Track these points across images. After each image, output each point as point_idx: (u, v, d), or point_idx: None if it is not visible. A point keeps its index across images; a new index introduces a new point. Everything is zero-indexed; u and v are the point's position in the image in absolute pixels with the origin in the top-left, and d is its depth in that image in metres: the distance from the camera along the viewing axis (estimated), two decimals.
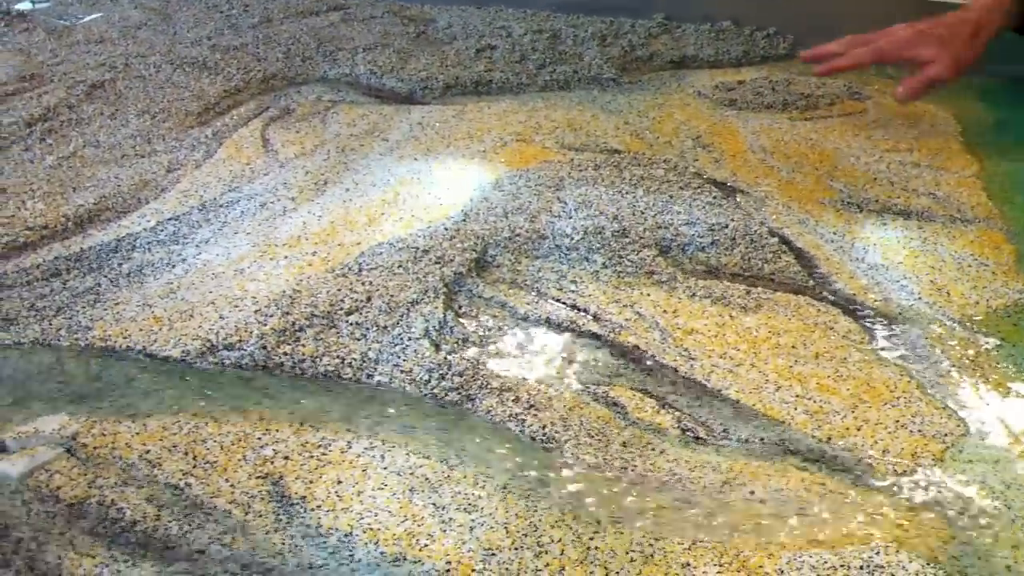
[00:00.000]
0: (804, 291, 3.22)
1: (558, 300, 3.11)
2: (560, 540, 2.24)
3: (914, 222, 3.58)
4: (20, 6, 4.95)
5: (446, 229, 3.42)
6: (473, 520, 2.29)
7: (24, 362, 2.73)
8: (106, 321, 2.89)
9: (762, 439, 2.58)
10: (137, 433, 2.47)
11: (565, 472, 2.46)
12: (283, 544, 2.22)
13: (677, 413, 2.67)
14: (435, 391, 2.72)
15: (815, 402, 2.73)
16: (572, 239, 3.38)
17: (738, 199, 3.71)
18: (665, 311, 3.07)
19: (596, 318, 3.03)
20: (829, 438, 2.59)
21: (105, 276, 3.10)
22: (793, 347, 2.94)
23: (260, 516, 2.29)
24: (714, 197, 3.69)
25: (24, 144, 3.76)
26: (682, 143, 4.15)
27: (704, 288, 3.19)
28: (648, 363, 2.86)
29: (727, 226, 3.46)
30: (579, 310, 3.07)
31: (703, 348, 2.92)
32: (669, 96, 4.61)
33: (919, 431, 2.60)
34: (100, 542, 2.22)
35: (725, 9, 5.33)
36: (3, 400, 2.60)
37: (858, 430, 2.62)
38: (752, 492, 2.41)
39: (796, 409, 2.69)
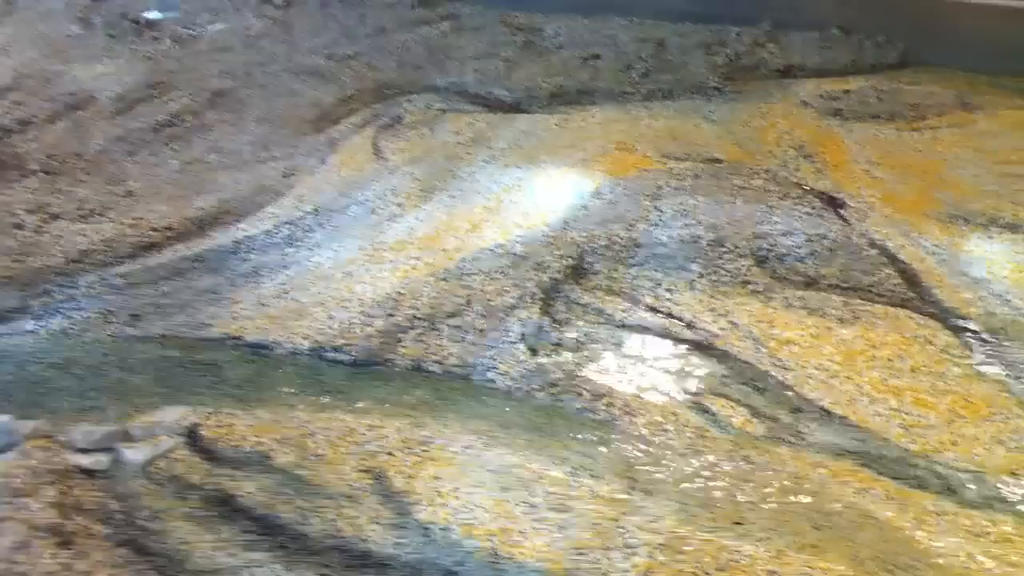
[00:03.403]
0: (904, 304, 3.22)
1: (653, 308, 3.18)
2: (648, 542, 2.32)
3: (1021, 236, 3.55)
4: (149, 15, 5.22)
5: (545, 236, 3.52)
6: (564, 520, 2.38)
7: (149, 356, 2.92)
8: (224, 319, 3.07)
9: (854, 451, 2.62)
10: (251, 425, 2.63)
11: (655, 475, 2.54)
12: (385, 534, 2.34)
13: (768, 422, 2.72)
14: (531, 394, 2.82)
15: (910, 415, 2.75)
16: (668, 248, 3.44)
17: (839, 210, 3.72)
18: (760, 321, 3.11)
19: (690, 326, 3.09)
20: (924, 452, 2.62)
21: (224, 277, 3.28)
22: (889, 360, 2.96)
23: (364, 507, 2.42)
24: (814, 207, 3.71)
25: (151, 149, 3.99)
26: (784, 153, 4.17)
27: (801, 299, 3.22)
28: (741, 372, 2.91)
29: (826, 237, 3.48)
30: (674, 318, 3.14)
31: (798, 358, 2.96)
32: (773, 105, 4.62)
33: (1017, 447, 2.60)
34: (216, 526, 2.38)
35: (834, 16, 5.28)
36: (129, 391, 2.78)
37: (953, 444, 2.64)
38: (842, 503, 2.45)
39: (890, 422, 2.72)
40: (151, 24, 5.19)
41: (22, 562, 2.19)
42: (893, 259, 3.42)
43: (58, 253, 3.25)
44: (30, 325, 2.99)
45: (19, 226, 3.34)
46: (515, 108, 4.77)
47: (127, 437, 2.58)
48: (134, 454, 2.53)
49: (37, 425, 2.52)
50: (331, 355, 2.97)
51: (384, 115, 4.58)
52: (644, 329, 3.11)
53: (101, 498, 2.41)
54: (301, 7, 5.71)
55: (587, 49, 5.24)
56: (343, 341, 3.00)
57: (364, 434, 2.65)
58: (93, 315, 3.03)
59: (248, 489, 2.47)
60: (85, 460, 2.49)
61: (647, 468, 2.55)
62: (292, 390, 2.84)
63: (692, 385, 2.88)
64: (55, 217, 3.43)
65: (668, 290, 3.26)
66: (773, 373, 2.89)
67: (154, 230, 3.43)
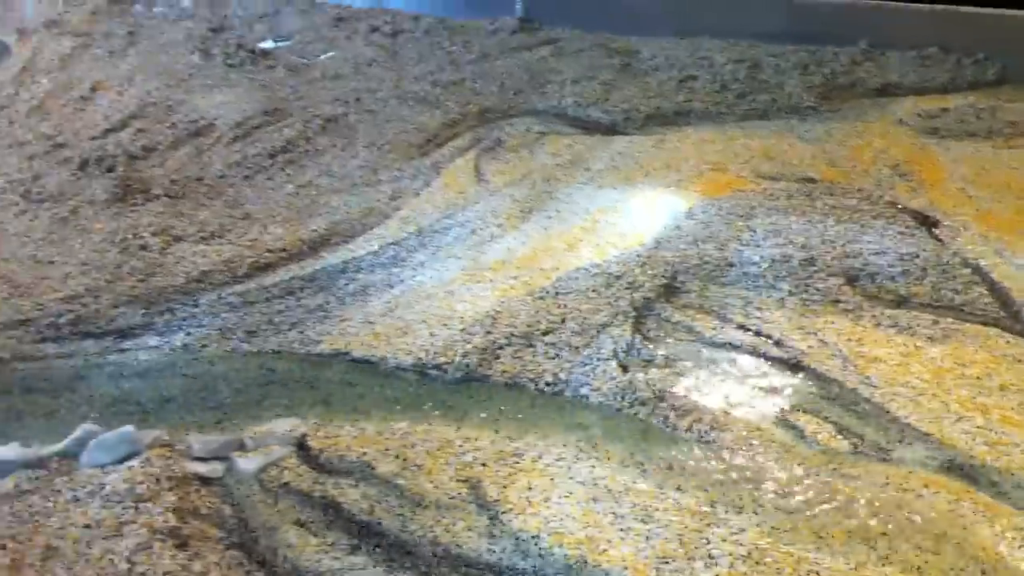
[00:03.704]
0: (995, 323, 3.23)
1: (743, 326, 3.26)
2: (731, 553, 2.41)
3: None
4: (265, 45, 5.50)
5: (638, 256, 3.63)
6: (649, 530, 2.49)
7: (262, 370, 3.12)
8: (333, 335, 3.26)
9: (940, 468, 2.66)
10: (356, 436, 2.80)
11: (740, 489, 2.62)
12: (480, 541, 2.48)
13: (854, 438, 2.78)
14: (621, 409, 2.94)
15: (997, 433, 2.78)
16: (759, 267, 3.52)
17: (933, 229, 3.74)
18: (849, 339, 3.16)
19: (779, 344, 3.16)
20: (1009, 469, 2.65)
21: (333, 295, 3.48)
22: (978, 378, 2.98)
23: (460, 515, 2.56)
24: (907, 227, 3.73)
25: (267, 173, 4.23)
26: (879, 172, 4.20)
27: (891, 317, 3.26)
28: (828, 389, 2.97)
29: (918, 256, 3.51)
30: (763, 336, 3.21)
31: (885, 376, 3.01)
32: (869, 124, 4.65)
33: None
34: (322, 531, 2.55)
35: (932, 35, 5.27)
36: (243, 403, 2.99)
37: None
38: (925, 518, 2.50)
39: (976, 440, 2.75)
40: (266, 53, 5.48)
41: (143, 562, 2.39)
42: (985, 278, 3.44)
43: (180, 273, 3.48)
44: (154, 341, 3.22)
45: (144, 247, 3.59)
46: (612, 130, 4.89)
47: (241, 447, 2.78)
48: (247, 463, 2.72)
49: (158, 435, 2.72)
50: (432, 370, 3.14)
51: (486, 139, 4.75)
52: (733, 347, 3.19)
53: (216, 504, 2.60)
54: (408, 35, 5.96)
55: (683, 71, 5.33)
56: (444, 358, 3.16)
57: (461, 446, 2.80)
58: (212, 332, 3.25)
59: (352, 497, 2.64)
60: (202, 468, 2.69)
61: (732, 482, 2.64)
62: (395, 403, 3.02)
63: (779, 402, 2.96)
64: (178, 239, 3.68)
65: (758, 308, 3.34)
66: (860, 391, 2.95)
67: (269, 251, 3.66)
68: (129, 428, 2.66)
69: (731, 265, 3.56)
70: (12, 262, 3.48)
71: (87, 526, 2.43)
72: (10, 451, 2.57)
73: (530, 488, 2.65)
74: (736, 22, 5.79)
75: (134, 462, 2.61)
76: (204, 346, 3.20)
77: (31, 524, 2.42)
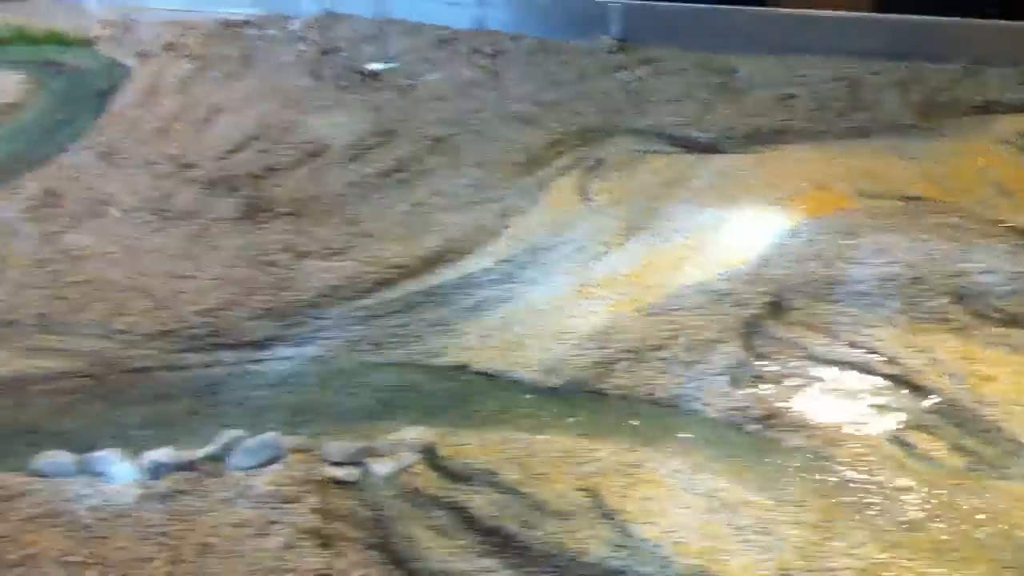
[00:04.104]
0: None
1: (852, 344, 3.34)
2: (849, 567, 2.49)
3: None
4: (372, 66, 5.69)
5: (744, 274, 3.72)
6: (768, 543, 2.58)
7: (390, 380, 3.30)
8: (453, 348, 3.43)
9: None
10: (480, 445, 2.95)
11: (857, 504, 2.70)
12: (601, 548, 2.60)
13: (970, 456, 2.85)
14: (734, 424, 3.04)
15: None
16: (866, 285, 3.59)
17: None
18: (962, 357, 3.22)
19: (891, 361, 3.23)
20: None
21: (451, 310, 3.65)
22: None
23: (581, 522, 2.69)
24: (1015, 245, 3.77)
25: (381, 192, 4.41)
26: (982, 190, 4.24)
27: (1001, 336, 3.31)
28: (942, 407, 3.04)
29: None
30: (873, 353, 3.29)
31: (1000, 395, 3.06)
32: (971, 142, 4.67)
33: None
34: (452, 534, 2.69)
35: None
36: (373, 411, 3.16)
37: None
38: None
39: None
40: (374, 75, 5.69)
41: (291, 560, 2.56)
42: None
43: (309, 288, 3.68)
44: (287, 352, 3.41)
45: (273, 263, 3.80)
46: (712, 149, 4.99)
47: (374, 452, 2.94)
48: (380, 468, 2.88)
49: (298, 440, 2.89)
50: (549, 383, 3.28)
51: (588, 158, 4.88)
52: (843, 364, 3.28)
53: (353, 506, 2.76)
54: (509, 56, 6.12)
55: (782, 89, 5.41)
56: (560, 371, 3.30)
57: (581, 456, 2.93)
58: (340, 343, 3.43)
59: (479, 503, 2.78)
60: (339, 472, 2.86)
61: (848, 497, 2.72)
62: (514, 414, 3.16)
63: (893, 419, 3.03)
64: (304, 255, 3.88)
65: (867, 326, 3.41)
66: (975, 409, 3.00)
67: (389, 268, 3.84)
68: (272, 434, 2.84)
69: (838, 283, 3.63)
70: (151, 276, 3.70)
71: (237, 525, 2.60)
72: (164, 454, 2.76)
73: (649, 498, 2.76)
74: (834, 40, 5.84)
75: (277, 466, 2.79)
76: (334, 357, 3.39)
77: (186, 522, 2.60)
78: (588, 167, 4.80)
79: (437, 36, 6.36)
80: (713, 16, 6.25)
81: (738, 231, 4.13)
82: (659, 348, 3.39)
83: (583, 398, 3.25)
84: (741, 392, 3.16)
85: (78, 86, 5.74)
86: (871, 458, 2.86)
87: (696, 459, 2.91)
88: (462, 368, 3.37)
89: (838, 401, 3.12)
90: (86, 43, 6.39)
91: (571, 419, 3.15)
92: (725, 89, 5.50)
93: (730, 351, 3.33)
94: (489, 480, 2.89)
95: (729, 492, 2.76)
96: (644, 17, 6.38)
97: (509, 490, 2.85)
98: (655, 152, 4.95)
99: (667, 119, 5.21)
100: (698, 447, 2.97)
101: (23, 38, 6.55)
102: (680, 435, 3.04)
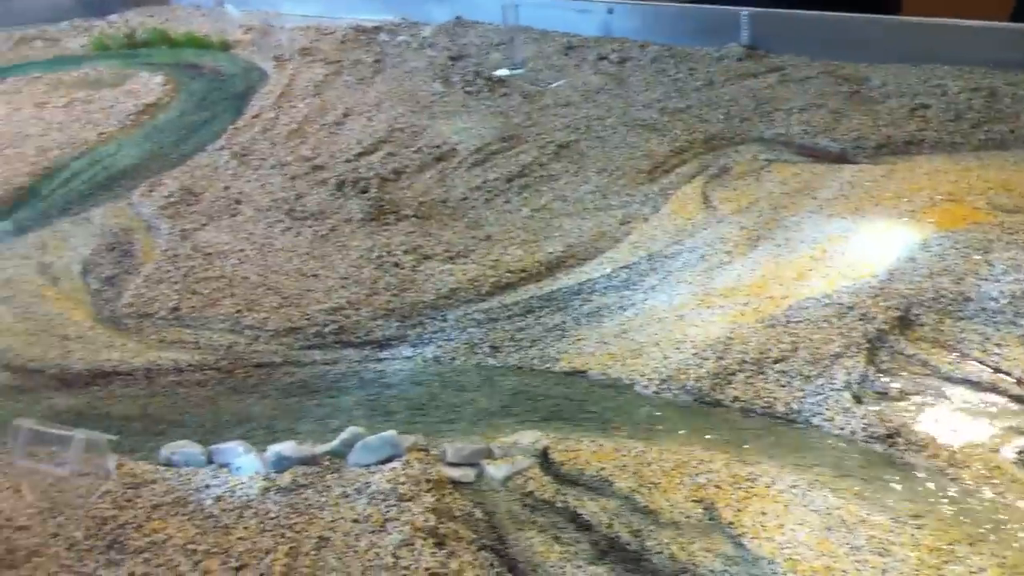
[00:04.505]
0: None
1: (981, 362, 3.23)
2: None
3: None
4: (499, 73, 5.76)
5: (871, 287, 3.64)
6: (887, 564, 2.52)
7: (507, 383, 3.33)
8: (570, 354, 3.44)
9: None
10: (594, 452, 2.95)
11: (979, 528, 2.62)
12: (716, 561, 2.59)
13: None
14: (855, 440, 2.98)
15: None
16: (999, 302, 3.47)
17: None
18: None
19: (1021, 382, 3.12)
20: None
21: (569, 315, 3.66)
22: None
23: (695, 534, 2.67)
24: None
25: (505, 197, 4.46)
26: None
27: None
28: None
29: None
30: (1002, 372, 3.18)
31: None
32: None
33: None
34: (565, 540, 2.71)
35: None
36: (490, 413, 3.20)
37: None
38: None
39: None
40: (502, 81, 5.75)
41: (406, 557, 2.61)
42: None
43: (430, 290, 3.74)
44: (408, 352, 3.48)
45: (397, 264, 3.87)
46: (841, 159, 4.89)
47: (489, 454, 2.98)
48: (496, 470, 2.92)
49: (415, 439, 2.95)
50: (666, 392, 3.27)
51: (713, 166, 4.84)
52: (971, 383, 3.17)
53: (468, 507, 2.80)
54: (635, 63, 6.12)
55: (915, 99, 5.26)
56: (677, 380, 3.28)
57: (695, 467, 2.91)
58: (460, 345, 3.48)
59: (592, 509, 2.79)
60: (455, 473, 2.90)
61: (972, 520, 2.64)
62: (630, 422, 3.16)
63: (1021, 441, 2.93)
64: (427, 257, 3.95)
65: (997, 345, 3.30)
66: None
67: (510, 271, 3.88)
68: (392, 432, 2.90)
69: (968, 300, 3.52)
70: (281, 274, 3.81)
71: (355, 520, 2.67)
72: (288, 448, 2.85)
73: (764, 513, 2.73)
74: (970, 50, 5.67)
75: (395, 463, 2.85)
76: (453, 359, 3.43)
77: (306, 516, 2.68)
78: (712, 175, 4.76)
79: (564, 43, 6.40)
80: (845, 24, 6.13)
81: (866, 243, 4.03)
82: (780, 360, 3.34)
83: (700, 408, 3.22)
84: (863, 408, 3.09)
85: (216, 88, 5.96)
86: (996, 481, 2.76)
87: (814, 475, 2.86)
88: (579, 374, 3.38)
89: (964, 421, 3.02)
90: (225, 47, 6.64)
91: (687, 429, 3.13)
92: (855, 98, 5.38)
93: (853, 366, 3.26)
94: (603, 487, 2.89)
95: (847, 510, 2.71)
96: (773, 25, 6.29)
97: (622, 498, 2.85)
98: (781, 161, 4.88)
99: (795, 128, 5.12)
100: (816, 463, 2.92)
101: (164, 41, 6.84)
102: (798, 450, 2.99)
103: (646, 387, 3.30)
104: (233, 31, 6.49)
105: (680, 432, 3.10)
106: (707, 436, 3.08)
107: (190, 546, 2.57)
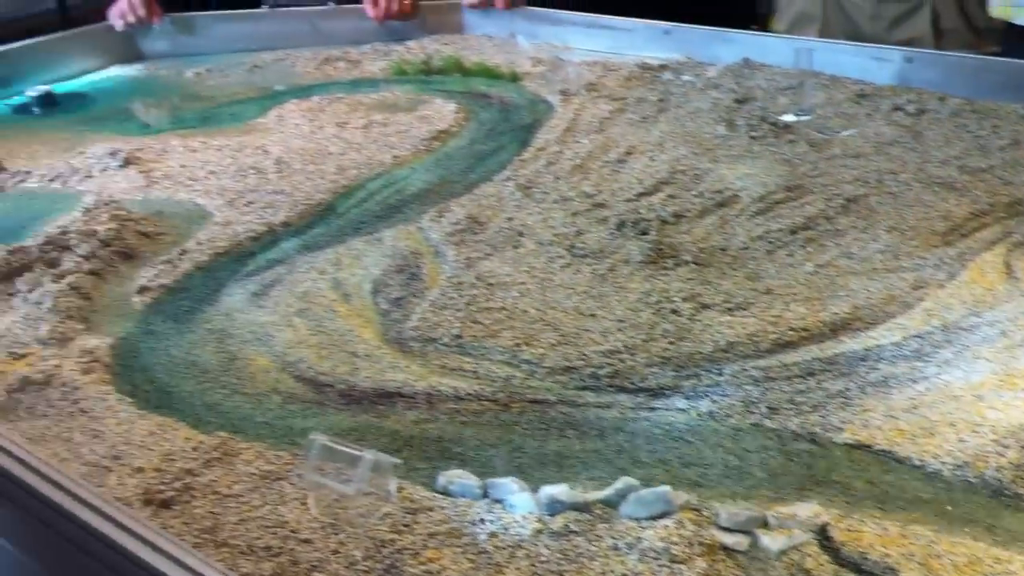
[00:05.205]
0: None
1: None
2: None
3: None
4: (786, 118, 5.61)
5: None
6: None
7: (784, 448, 3.20)
8: (855, 425, 3.27)
9: None
10: (879, 535, 2.78)
11: None
12: None
13: None
14: None
15: None
16: None
17: None
18: None
19: None
20: None
21: (854, 382, 3.48)
22: None
23: None
24: None
25: (788, 249, 4.31)
26: None
27: None
28: None
29: None
30: None
31: None
32: None
33: None
34: None
35: None
36: (765, 479, 3.07)
37: None
38: None
39: None
40: (788, 127, 5.59)
41: None
42: None
43: (708, 341, 3.65)
44: (681, 403, 3.40)
45: (676, 312, 3.81)
46: None
47: (765, 523, 2.86)
48: (771, 541, 2.79)
49: (688, 498, 2.87)
50: (960, 479, 3.04)
51: (1017, 232, 4.49)
52: None
53: None
54: (932, 115, 5.79)
55: None
56: (974, 467, 3.05)
57: (991, 566, 2.68)
58: (735, 403, 3.37)
59: None
60: (728, 539, 2.80)
61: None
62: (918, 506, 2.95)
63: None
64: (705, 307, 3.86)
65: None
66: None
67: (792, 329, 3.72)
68: (666, 488, 2.84)
69: None
70: (559, 311, 3.83)
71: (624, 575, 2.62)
72: (561, 492, 2.84)
73: None
74: None
75: (668, 521, 2.78)
76: (728, 416, 3.33)
77: (577, 564, 2.66)
78: (1016, 243, 4.41)
79: (856, 90, 6.13)
80: None
81: None
82: None
83: (999, 501, 2.97)
84: None
85: (504, 119, 6.11)
86: None
87: None
88: (864, 447, 3.19)
89: None
90: (514, 78, 6.80)
91: (983, 523, 2.89)
92: None
93: None
94: (886, 575, 2.73)
95: None
96: None
97: None
98: None
99: None
100: None
101: (458, 69, 7.09)
102: None
103: (938, 471, 3.08)
104: (523, 63, 6.63)
105: (975, 525, 2.87)
106: (1007, 534, 2.83)
107: None
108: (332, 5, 7.82)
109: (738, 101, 5.89)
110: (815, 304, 3.90)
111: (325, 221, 4.82)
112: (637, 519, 2.81)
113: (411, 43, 7.69)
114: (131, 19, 7.68)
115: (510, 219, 4.61)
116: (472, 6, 7.82)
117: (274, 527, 2.79)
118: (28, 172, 5.67)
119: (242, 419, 3.40)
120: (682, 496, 2.87)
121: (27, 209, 5.24)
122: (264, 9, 7.91)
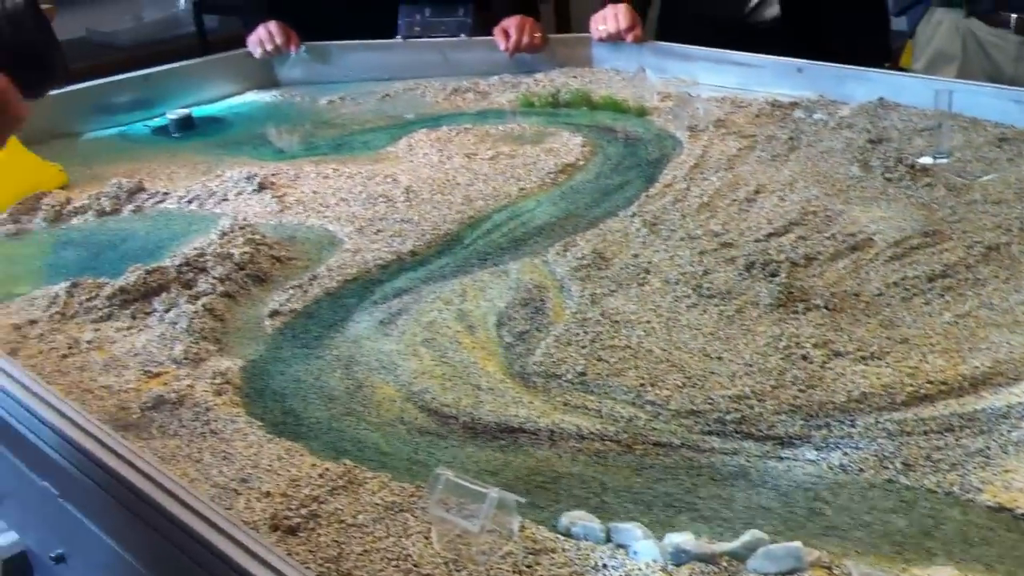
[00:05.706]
0: None
1: None
2: None
3: None
4: (923, 160, 5.45)
5: None
6: None
7: (920, 507, 3.07)
8: (996, 486, 3.12)
9: None
10: None
11: None
12: None
13: None
14: None
15: None
16: None
17: None
18: None
19: None
20: None
21: (995, 441, 3.33)
22: None
23: None
24: None
25: (924, 298, 4.17)
26: None
27: None
28: None
29: None
30: None
31: None
32: None
33: None
34: None
35: None
36: (899, 539, 2.96)
37: None
38: None
39: None
40: (925, 169, 5.41)
41: None
42: None
43: (840, 390, 3.54)
44: (811, 454, 3.31)
45: (806, 358, 3.71)
46: None
47: None
48: None
49: (819, 555, 2.78)
50: None
51: None
52: None
53: None
54: None
55: None
56: None
57: None
58: (868, 456, 3.26)
59: None
60: None
61: None
62: None
63: None
64: (837, 354, 3.75)
65: None
66: None
67: (929, 382, 3.59)
68: (797, 544, 2.76)
69: None
70: (685, 352, 3.77)
71: None
72: (687, 541, 2.78)
73: None
74: None
75: None
76: (861, 470, 3.22)
77: None
78: None
79: (997, 134, 5.89)
80: None
81: None
82: None
83: None
84: None
85: (631, 154, 6.08)
86: None
87: None
88: (1005, 510, 3.05)
89: None
90: (641, 112, 6.76)
91: None
92: None
93: None
94: None
95: None
96: None
97: None
98: None
99: None
100: None
101: (585, 102, 7.08)
102: None
103: None
104: (651, 97, 6.58)
105: None
106: None
107: None
108: (463, 37, 7.92)
109: (872, 141, 5.74)
110: (954, 356, 3.76)
111: (451, 251, 4.86)
112: (765, 574, 2.73)
113: (539, 75, 7.73)
114: (269, 47, 7.90)
115: (636, 256, 4.57)
116: (601, 40, 7.82)
117: (397, 559, 2.80)
118: (167, 193, 5.88)
119: (367, 448, 3.43)
120: (813, 552, 2.78)
121: (165, 229, 5.42)
122: (398, 39, 8.04)
